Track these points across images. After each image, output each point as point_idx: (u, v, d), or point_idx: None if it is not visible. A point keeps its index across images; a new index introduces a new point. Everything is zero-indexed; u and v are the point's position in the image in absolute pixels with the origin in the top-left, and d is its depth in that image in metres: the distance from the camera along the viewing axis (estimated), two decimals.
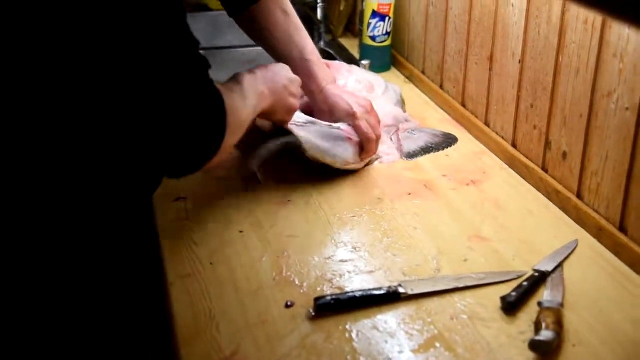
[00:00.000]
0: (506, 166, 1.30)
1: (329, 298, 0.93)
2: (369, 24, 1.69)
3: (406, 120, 1.42)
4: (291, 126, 1.18)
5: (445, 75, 1.55)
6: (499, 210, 1.16)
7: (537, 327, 0.88)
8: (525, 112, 1.26)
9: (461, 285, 0.97)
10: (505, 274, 1.00)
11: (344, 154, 1.22)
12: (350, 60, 1.73)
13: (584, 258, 1.04)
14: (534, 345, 0.86)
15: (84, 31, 0.79)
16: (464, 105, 1.47)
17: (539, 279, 0.97)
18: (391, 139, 1.36)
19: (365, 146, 1.24)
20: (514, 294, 0.94)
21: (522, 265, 1.02)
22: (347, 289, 0.96)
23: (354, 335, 0.88)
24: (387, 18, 1.68)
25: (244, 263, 1.02)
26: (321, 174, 1.24)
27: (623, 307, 0.94)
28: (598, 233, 1.08)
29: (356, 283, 0.98)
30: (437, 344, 0.87)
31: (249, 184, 1.23)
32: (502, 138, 1.34)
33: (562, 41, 1.13)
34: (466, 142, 1.39)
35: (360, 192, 1.21)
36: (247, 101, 1.01)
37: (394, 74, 1.74)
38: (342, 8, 1.93)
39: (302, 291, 0.96)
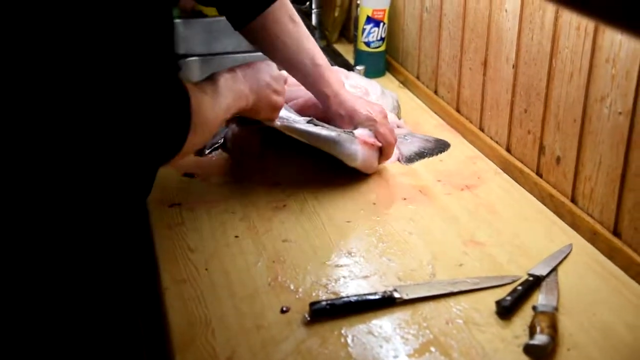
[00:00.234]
0: (500, 171, 1.30)
1: (324, 303, 0.93)
2: (364, 29, 1.70)
3: (398, 127, 1.42)
4: (295, 124, 1.18)
5: (439, 80, 1.56)
6: (494, 214, 1.16)
7: (532, 331, 0.88)
8: (519, 117, 1.26)
9: (456, 289, 0.97)
10: (500, 278, 1.00)
11: (354, 150, 1.22)
12: (345, 65, 1.74)
13: (578, 262, 1.04)
14: (529, 350, 0.86)
15: (51, 29, 0.78)
16: (458, 110, 1.48)
17: (533, 283, 0.98)
18: None
19: (385, 150, 1.25)
20: (508, 298, 0.94)
21: (517, 270, 1.02)
22: (343, 294, 0.96)
23: (349, 340, 0.88)
24: (381, 24, 1.69)
25: (239, 268, 1.02)
26: (317, 179, 1.25)
27: (617, 311, 0.94)
28: (592, 237, 1.08)
29: (351, 288, 0.98)
30: (433, 349, 0.87)
31: (243, 189, 1.23)
32: (497, 143, 1.34)
33: (555, 46, 1.13)
34: (460, 147, 1.40)
35: (355, 197, 1.21)
36: (220, 100, 1.00)
37: (388, 80, 1.74)
38: (336, 14, 1.93)
39: (297, 296, 0.96)
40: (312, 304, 0.92)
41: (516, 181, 1.26)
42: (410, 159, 1.33)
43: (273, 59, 1.24)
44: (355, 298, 0.94)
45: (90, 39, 0.79)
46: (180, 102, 0.89)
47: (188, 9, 1.93)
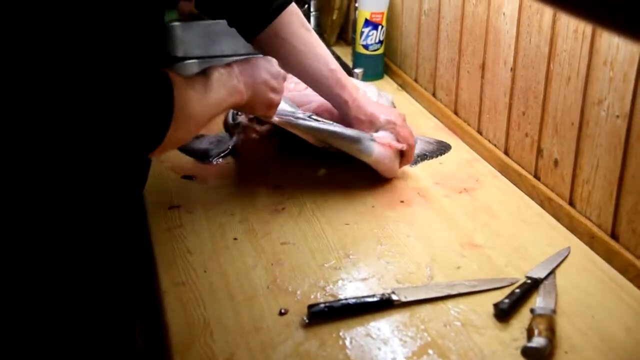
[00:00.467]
0: (499, 174, 1.31)
1: (322, 305, 0.93)
2: (362, 32, 1.70)
3: None
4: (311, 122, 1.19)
5: (437, 83, 1.56)
6: (492, 217, 1.17)
7: (530, 334, 0.88)
8: (517, 120, 1.27)
9: (454, 292, 0.97)
10: (498, 281, 1.00)
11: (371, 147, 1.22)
12: (343, 68, 1.73)
13: (576, 265, 1.05)
14: (527, 352, 0.86)
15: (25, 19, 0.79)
16: (456, 113, 1.48)
17: (531, 286, 0.98)
18: None
19: (407, 153, 1.25)
20: (506, 300, 0.94)
21: (515, 272, 1.02)
22: (341, 296, 0.96)
23: (347, 343, 0.89)
24: (379, 27, 1.69)
25: (238, 271, 1.02)
26: (316, 182, 1.25)
27: (615, 314, 0.94)
28: (590, 240, 1.08)
29: (349, 290, 0.98)
30: (430, 351, 0.87)
31: (242, 191, 1.23)
32: (495, 146, 1.34)
33: (553, 49, 1.14)
34: (459, 150, 1.40)
35: (353, 199, 1.21)
36: (210, 95, 0.98)
37: (386, 82, 1.75)
38: (334, 17, 1.94)
39: (295, 299, 0.96)
40: (310, 307, 0.92)
41: (514, 184, 1.27)
42: (413, 161, 1.33)
43: (286, 66, 1.22)
44: (353, 300, 0.94)
45: (73, 31, 0.79)
46: (162, 95, 0.87)
47: (186, 12, 1.93)
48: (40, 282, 0.94)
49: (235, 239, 1.10)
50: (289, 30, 1.22)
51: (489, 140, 1.36)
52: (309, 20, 1.92)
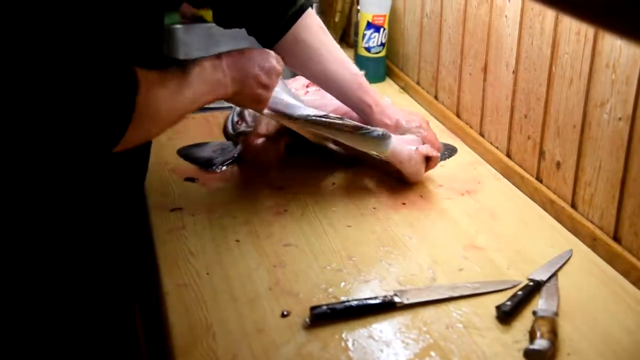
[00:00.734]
0: (501, 176, 1.31)
1: (324, 307, 0.93)
2: (364, 35, 1.70)
3: None
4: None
5: (439, 85, 1.56)
6: (494, 219, 1.17)
7: (532, 336, 0.88)
8: (519, 122, 1.27)
9: (456, 294, 0.97)
10: (500, 283, 1.00)
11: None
12: None
13: (578, 267, 1.05)
14: (529, 354, 0.86)
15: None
16: (458, 116, 1.48)
17: (533, 288, 0.98)
18: None
19: (433, 156, 1.24)
20: (508, 303, 0.94)
21: (517, 275, 1.02)
22: (343, 298, 0.96)
23: (349, 345, 0.89)
24: (381, 29, 1.69)
25: (240, 272, 1.02)
26: (318, 184, 1.25)
27: (617, 316, 0.94)
28: (592, 242, 1.08)
29: (352, 292, 0.98)
30: (433, 353, 0.87)
31: (245, 193, 1.23)
32: (497, 148, 1.34)
33: (555, 52, 1.14)
34: (461, 152, 1.40)
35: (356, 202, 1.21)
36: (184, 91, 0.96)
37: (388, 85, 1.75)
38: (337, 19, 1.94)
39: (298, 300, 0.96)
40: (312, 308, 0.92)
41: (516, 186, 1.27)
42: None
43: (306, 70, 1.21)
44: (355, 302, 0.94)
45: (34, 26, 0.78)
46: (124, 93, 0.86)
47: (188, 14, 1.94)
48: (44, 284, 0.94)
49: (237, 240, 1.10)
50: (309, 34, 1.20)
51: (491, 143, 1.36)
52: None
